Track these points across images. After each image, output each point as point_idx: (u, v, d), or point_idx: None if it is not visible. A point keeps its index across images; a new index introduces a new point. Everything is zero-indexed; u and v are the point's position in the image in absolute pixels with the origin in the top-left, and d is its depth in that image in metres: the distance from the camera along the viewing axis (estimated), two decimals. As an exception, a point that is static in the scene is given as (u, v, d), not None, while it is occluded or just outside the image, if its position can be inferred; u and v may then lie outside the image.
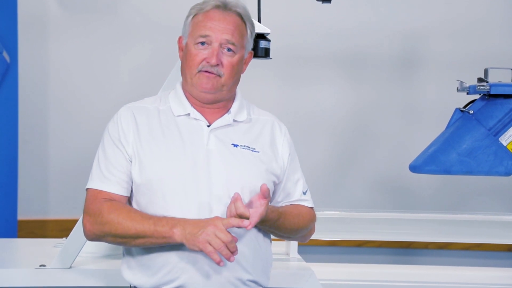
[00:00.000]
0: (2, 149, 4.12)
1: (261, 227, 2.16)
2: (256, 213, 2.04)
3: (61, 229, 4.20)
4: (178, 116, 2.20)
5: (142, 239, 2.06)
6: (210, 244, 1.99)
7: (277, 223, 2.16)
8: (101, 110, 4.27)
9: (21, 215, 4.29)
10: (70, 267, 2.71)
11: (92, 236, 2.15)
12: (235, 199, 2.03)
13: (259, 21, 2.78)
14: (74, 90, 4.45)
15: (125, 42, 4.45)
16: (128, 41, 4.45)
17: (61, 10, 4.42)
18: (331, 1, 2.98)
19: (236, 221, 2.00)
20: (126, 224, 2.07)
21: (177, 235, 2.02)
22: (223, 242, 1.98)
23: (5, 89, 4.10)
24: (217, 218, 2.03)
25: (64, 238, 2.99)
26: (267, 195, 2.05)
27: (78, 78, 4.45)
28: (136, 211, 2.13)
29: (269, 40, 2.75)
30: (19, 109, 4.21)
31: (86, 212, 2.15)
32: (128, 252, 2.18)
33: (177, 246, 2.08)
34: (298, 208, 2.26)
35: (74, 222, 2.65)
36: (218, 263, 2.00)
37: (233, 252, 2.00)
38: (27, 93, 4.34)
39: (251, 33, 2.23)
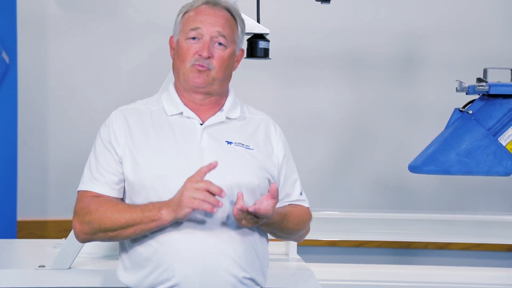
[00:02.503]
0: (2, 149, 4.12)
1: (264, 229, 2.17)
2: (262, 209, 2.04)
3: (60, 229, 4.20)
4: (171, 115, 2.21)
5: (131, 227, 2.07)
6: (194, 198, 1.99)
7: (281, 225, 2.17)
8: (101, 110, 4.23)
9: (21, 216, 4.29)
10: (69, 268, 2.71)
11: (82, 236, 2.15)
12: (238, 197, 2.04)
13: (258, 21, 2.78)
14: (73, 90, 4.45)
15: (125, 42, 4.45)
16: (127, 41, 4.45)
17: (60, 10, 4.42)
18: (330, 1, 2.98)
19: (205, 168, 2.01)
20: (114, 216, 2.08)
21: (165, 214, 2.03)
22: (204, 189, 1.98)
23: (5, 90, 4.10)
24: (190, 177, 2.03)
25: (63, 239, 2.99)
26: (275, 195, 2.05)
27: (78, 78, 4.45)
28: (122, 203, 2.14)
29: (268, 41, 2.76)
30: (18, 109, 4.21)
31: (74, 213, 2.16)
32: (124, 254, 2.19)
33: (172, 245, 2.08)
34: (297, 208, 2.28)
35: (73, 222, 2.65)
36: (211, 211, 2.00)
37: (220, 192, 2.00)
38: (26, 94, 4.34)
39: (242, 30, 2.26)
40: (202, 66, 2.16)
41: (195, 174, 2.02)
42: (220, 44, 2.18)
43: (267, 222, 2.09)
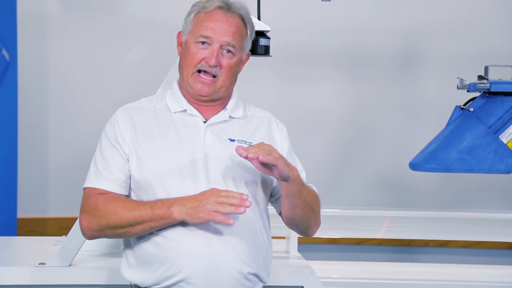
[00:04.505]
0: (2, 147, 4.12)
1: (288, 192, 2.14)
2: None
3: (60, 227, 4.21)
4: (174, 112, 2.22)
5: (140, 225, 2.07)
6: (214, 212, 2.00)
7: (302, 190, 2.16)
8: (101, 108, 4.27)
9: (21, 213, 4.29)
10: (70, 265, 2.71)
11: (90, 233, 2.15)
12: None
13: (258, 18, 2.77)
14: (73, 88, 4.45)
15: (125, 40, 4.45)
16: (127, 39, 4.45)
17: (60, 8, 4.42)
18: (331, -2, 2.98)
19: (237, 193, 2.01)
20: (123, 213, 2.08)
21: (176, 213, 2.04)
22: (229, 204, 1.99)
23: (5, 87, 4.10)
24: (214, 188, 2.04)
25: (63, 236, 2.99)
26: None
27: (78, 76, 4.45)
28: (131, 199, 2.14)
29: (268, 38, 2.75)
30: (18, 107, 4.21)
31: (82, 210, 2.16)
32: (128, 251, 2.19)
33: (178, 240, 2.08)
34: (309, 187, 2.28)
35: (74, 220, 2.65)
36: (228, 223, 2.00)
37: (244, 200, 1.99)
38: (26, 91, 4.33)
39: (251, 35, 2.27)
40: (208, 74, 2.17)
41: (223, 190, 2.03)
42: (228, 51, 2.19)
43: (290, 175, 2.08)
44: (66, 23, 4.42)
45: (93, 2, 4.45)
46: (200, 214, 2.01)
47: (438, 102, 4.42)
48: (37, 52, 4.41)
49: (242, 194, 2.00)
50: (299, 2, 4.34)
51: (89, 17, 4.44)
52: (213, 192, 2.03)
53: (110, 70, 4.46)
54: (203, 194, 2.04)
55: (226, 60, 2.19)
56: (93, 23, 4.43)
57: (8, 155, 4.17)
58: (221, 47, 2.18)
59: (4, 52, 4.02)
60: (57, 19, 4.41)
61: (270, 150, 2.05)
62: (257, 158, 2.01)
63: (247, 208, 2.13)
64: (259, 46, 2.72)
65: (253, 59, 2.66)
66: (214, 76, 2.19)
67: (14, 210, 4.21)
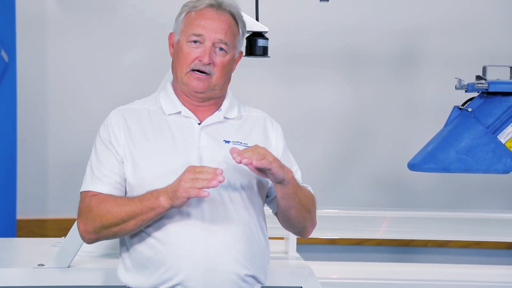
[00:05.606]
0: (1, 148, 4.12)
1: (283, 195, 2.13)
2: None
3: (60, 228, 4.21)
4: (169, 114, 2.21)
5: (133, 220, 2.07)
6: (189, 188, 1.98)
7: (297, 192, 2.16)
8: (100, 109, 4.24)
9: (20, 215, 4.29)
10: (69, 267, 2.71)
11: (87, 236, 2.15)
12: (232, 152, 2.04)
13: (257, 19, 2.77)
14: (72, 88, 4.45)
15: (124, 41, 4.45)
16: (127, 40, 4.45)
17: (59, 9, 4.42)
18: (329, -1, 2.98)
19: (212, 169, 1.99)
20: (115, 210, 2.07)
21: (163, 201, 2.03)
22: (204, 179, 1.98)
23: (4, 88, 4.10)
24: (191, 166, 2.03)
25: (62, 238, 2.99)
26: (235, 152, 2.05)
27: (77, 77, 4.45)
28: (123, 197, 2.14)
29: (267, 39, 2.75)
30: (17, 108, 4.21)
31: (78, 214, 2.16)
32: (124, 254, 2.19)
33: (174, 243, 2.08)
34: (304, 187, 2.27)
35: (73, 221, 2.64)
36: (204, 196, 1.99)
37: (218, 175, 1.98)
38: (25, 92, 4.33)
39: (243, 33, 2.26)
40: (202, 73, 2.17)
41: (198, 166, 2.02)
42: (221, 49, 2.18)
43: (285, 178, 2.07)
44: (65, 24, 4.42)
45: (93, 3, 4.45)
46: (178, 194, 2.00)
47: (436, 102, 4.42)
48: (36, 53, 4.41)
49: (216, 169, 1.99)
50: (297, 2, 4.34)
51: (89, 18, 4.44)
52: (189, 169, 2.02)
53: (109, 71, 4.46)
54: (181, 174, 2.03)
55: (219, 58, 2.17)
56: (93, 24, 4.43)
57: (7, 156, 4.17)
58: (213, 45, 2.17)
59: (3, 54, 4.02)
60: (56, 20, 4.41)
61: (265, 153, 2.04)
62: (251, 163, 2.01)
63: (244, 210, 2.13)
64: (257, 47, 2.72)
65: (252, 60, 2.66)
66: (208, 75, 2.18)
67: (13, 211, 4.21)
